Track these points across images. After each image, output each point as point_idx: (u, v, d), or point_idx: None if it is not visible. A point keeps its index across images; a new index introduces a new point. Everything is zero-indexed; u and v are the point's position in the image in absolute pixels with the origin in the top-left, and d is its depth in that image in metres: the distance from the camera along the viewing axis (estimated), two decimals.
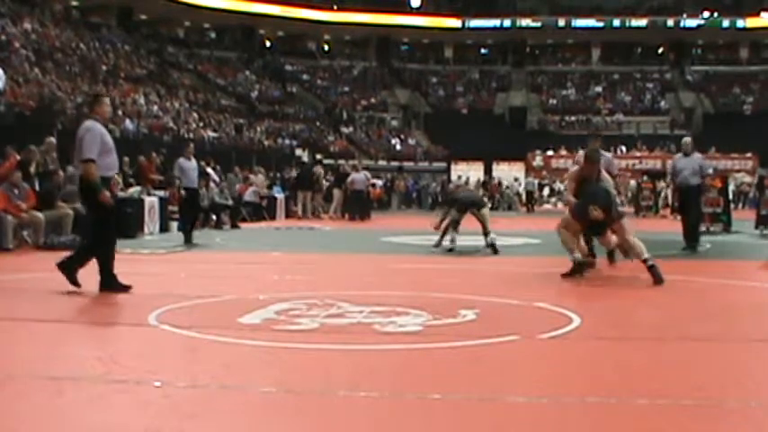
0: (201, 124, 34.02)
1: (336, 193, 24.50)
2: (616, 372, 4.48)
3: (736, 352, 5.11)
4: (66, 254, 7.62)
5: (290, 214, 23.77)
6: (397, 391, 3.96)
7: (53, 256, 10.99)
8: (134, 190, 16.19)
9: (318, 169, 26.61)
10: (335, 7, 51.60)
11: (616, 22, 52.88)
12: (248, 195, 21.66)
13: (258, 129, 39.02)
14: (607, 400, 3.83)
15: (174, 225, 16.29)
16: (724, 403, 3.80)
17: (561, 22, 53.22)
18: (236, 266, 10.56)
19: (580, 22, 53.01)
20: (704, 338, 5.42)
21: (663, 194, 28.16)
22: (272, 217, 22.51)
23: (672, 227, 16.23)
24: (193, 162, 14.09)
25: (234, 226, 18.21)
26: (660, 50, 55.29)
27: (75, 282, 7.28)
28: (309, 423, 3.52)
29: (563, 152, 40.63)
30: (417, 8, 52.87)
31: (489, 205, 14.15)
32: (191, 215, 14.03)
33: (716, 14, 52.49)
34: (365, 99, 50.60)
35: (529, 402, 3.78)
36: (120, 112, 25.62)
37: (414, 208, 34.88)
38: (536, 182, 38.00)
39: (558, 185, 36.66)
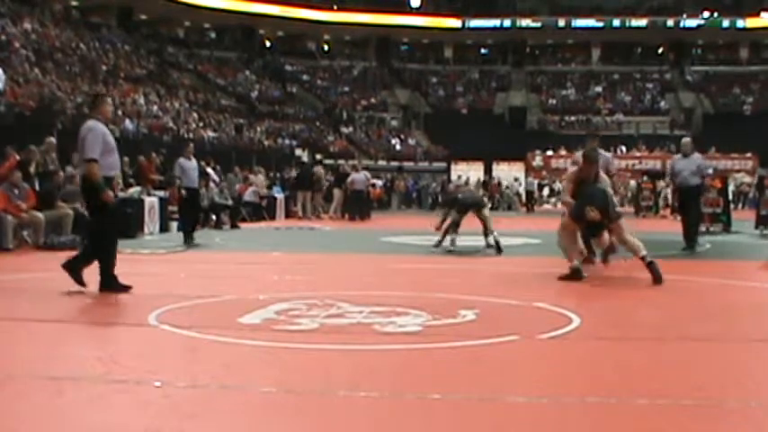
0: (201, 124, 34.02)
1: (336, 193, 24.50)
2: (616, 372, 4.48)
3: (736, 352, 5.11)
4: (70, 254, 7.59)
5: (289, 214, 23.77)
6: (397, 391, 3.96)
7: (53, 256, 11.03)
8: (134, 190, 16.19)
9: (319, 169, 26.60)
10: (335, 7, 51.60)
11: (616, 22, 52.88)
12: (248, 195, 21.66)
13: (258, 129, 39.03)
14: (607, 400, 3.83)
15: (174, 225, 16.30)
16: (724, 403, 3.81)
17: (561, 22, 53.22)
18: (236, 266, 10.56)
19: (580, 22, 53.00)
20: (704, 338, 5.42)
21: (663, 194, 28.16)
22: (272, 217, 22.51)
23: (672, 227, 16.24)
24: (194, 162, 14.10)
25: (234, 226, 18.21)
26: (660, 50, 55.29)
27: (81, 281, 7.28)
28: (309, 423, 3.52)
29: (563, 152, 40.59)
30: (417, 8, 52.87)
31: (489, 205, 14.16)
32: (191, 215, 14.04)
33: (716, 14, 52.49)
34: (365, 99, 50.60)
35: (529, 402, 3.78)
36: (119, 112, 25.62)
37: (414, 208, 34.89)
38: (536, 182, 38.00)
39: (558, 185, 36.65)
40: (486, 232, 12.43)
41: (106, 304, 6.89)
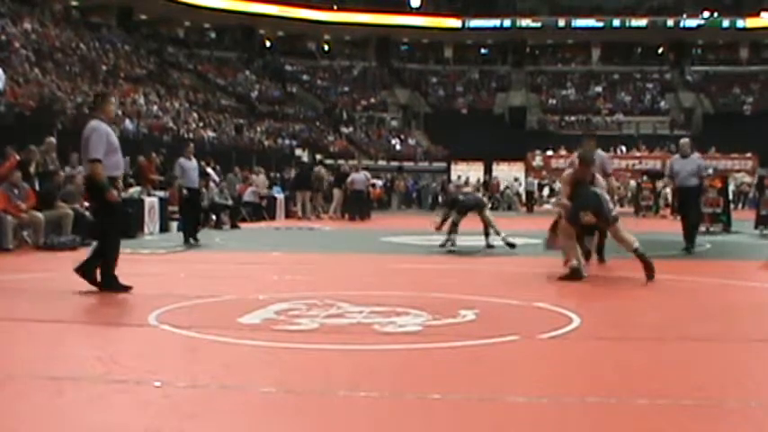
0: (201, 124, 34.02)
1: (336, 193, 24.51)
2: (616, 372, 4.48)
3: (736, 352, 5.11)
4: (81, 259, 7.53)
5: (289, 214, 23.78)
6: (397, 391, 3.96)
7: (53, 257, 11.05)
8: (134, 190, 16.19)
9: (321, 170, 26.60)
10: (335, 7, 51.61)
11: (616, 22, 52.89)
12: (248, 195, 21.67)
13: (258, 129, 39.03)
14: (607, 400, 3.82)
15: (174, 225, 16.30)
16: (724, 403, 3.80)
17: (561, 22, 53.23)
18: (235, 266, 10.56)
19: (580, 22, 53.01)
20: (704, 338, 5.42)
21: (663, 194, 28.16)
22: (272, 217, 22.52)
23: (672, 227, 16.23)
24: (194, 162, 14.11)
25: (234, 226, 18.21)
26: (660, 50, 55.30)
27: (95, 282, 7.28)
28: (309, 423, 3.52)
29: (563, 152, 40.57)
30: (417, 8, 52.87)
31: (489, 205, 14.19)
32: (192, 215, 14.04)
33: (716, 14, 52.49)
34: (365, 99, 50.60)
35: (529, 402, 3.78)
36: (120, 112, 25.60)
37: (414, 208, 34.88)
38: (536, 182, 38.00)
39: (558, 186, 36.64)
40: (487, 232, 12.47)
41: (106, 304, 6.89)
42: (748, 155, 40.12)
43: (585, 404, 3.77)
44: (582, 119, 49.00)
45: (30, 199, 12.10)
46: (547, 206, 36.00)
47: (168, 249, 12.34)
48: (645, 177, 31.43)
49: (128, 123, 25.41)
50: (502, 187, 37.17)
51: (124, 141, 7.82)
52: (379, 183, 33.77)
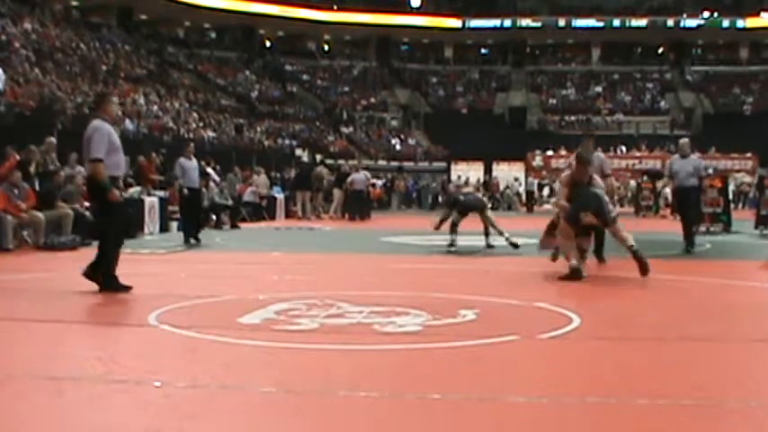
0: (201, 124, 34.03)
1: (336, 192, 24.51)
2: (616, 372, 4.48)
3: (736, 352, 5.11)
4: (89, 262, 7.51)
5: (289, 214, 23.78)
6: (397, 391, 3.96)
7: (53, 256, 11.06)
8: (134, 190, 16.19)
9: (322, 170, 26.59)
10: (335, 7, 51.61)
11: (616, 22, 52.89)
12: (248, 195, 21.67)
13: (258, 129, 39.03)
14: (607, 400, 3.82)
15: (174, 225, 16.30)
16: (724, 403, 3.80)
17: (561, 22, 53.23)
18: (235, 266, 10.56)
19: (580, 22, 53.01)
20: (704, 338, 5.42)
21: (662, 194, 28.15)
22: (272, 217, 22.52)
23: (672, 227, 16.23)
24: (194, 162, 14.12)
25: (234, 226, 18.21)
26: (660, 50, 55.30)
27: (123, 287, 7.28)
28: (309, 423, 3.52)
29: (563, 152, 40.59)
30: (417, 8, 52.87)
31: (489, 205, 14.19)
32: (192, 215, 14.04)
33: (716, 14, 52.49)
34: (365, 99, 50.60)
35: (529, 402, 3.78)
36: (120, 112, 25.59)
37: (414, 208, 34.88)
38: (536, 182, 38.00)
39: (558, 186, 36.62)
40: (487, 232, 12.47)
41: (106, 304, 6.89)
42: (748, 155, 40.13)
43: (585, 404, 3.77)
44: (582, 119, 48.99)
45: (30, 199, 12.10)
46: (547, 206, 36.02)
47: (168, 249, 12.34)
48: (645, 177, 31.44)
49: (128, 123, 25.41)
50: (502, 187, 37.16)
51: (124, 141, 7.81)
52: (380, 183, 33.78)
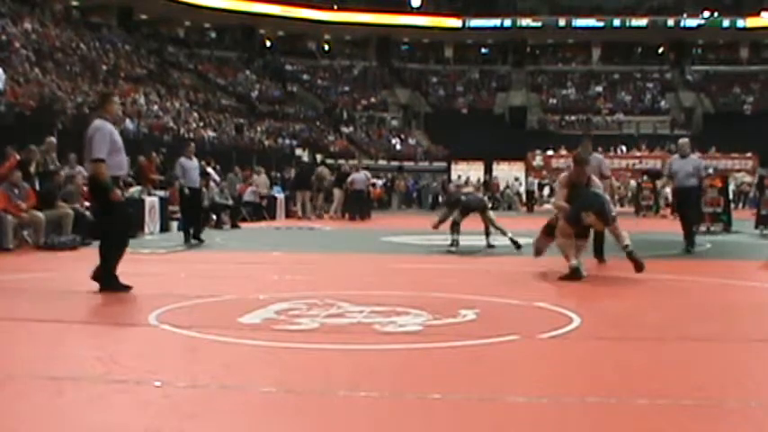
0: (202, 124, 34.02)
1: (337, 192, 24.50)
2: (616, 372, 4.48)
3: (736, 352, 5.11)
4: (95, 266, 7.50)
5: (290, 214, 23.78)
6: (397, 391, 3.96)
7: (53, 256, 11.06)
8: (134, 190, 16.19)
9: (323, 170, 26.59)
10: (336, 7, 51.60)
11: (616, 22, 52.89)
12: (248, 195, 21.67)
13: (258, 129, 39.03)
14: (607, 400, 3.82)
15: (175, 225, 16.30)
16: (724, 403, 3.80)
17: (561, 22, 53.23)
18: (236, 266, 10.56)
19: (580, 22, 53.01)
20: (704, 338, 5.42)
21: (662, 194, 28.15)
22: (272, 217, 22.52)
23: (672, 227, 16.23)
24: (195, 161, 14.13)
25: (234, 226, 18.22)
26: (660, 50, 55.29)
27: (123, 287, 7.28)
28: (309, 423, 3.52)
29: (563, 152, 40.60)
30: (417, 8, 52.87)
31: (490, 205, 14.19)
32: (193, 215, 14.03)
33: (716, 14, 52.49)
34: (365, 99, 50.60)
35: (529, 402, 3.78)
36: (120, 112, 25.61)
37: (414, 208, 34.89)
38: (536, 182, 38.00)
39: (557, 186, 36.59)
40: (488, 232, 12.47)
41: (106, 304, 6.89)
42: (748, 154, 40.14)
43: (585, 404, 3.77)
44: (582, 118, 48.99)
45: (30, 199, 12.10)
46: (547, 206, 36.03)
47: (168, 249, 12.34)
48: (645, 177, 31.43)
49: (128, 123, 25.41)
50: (502, 187, 37.16)
51: (125, 141, 7.80)
52: (380, 182, 33.78)
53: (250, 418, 3.59)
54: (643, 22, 52.88)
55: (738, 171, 37.12)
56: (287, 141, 39.22)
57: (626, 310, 6.80)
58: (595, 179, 9.16)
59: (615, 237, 8.76)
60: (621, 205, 33.27)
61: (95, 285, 7.21)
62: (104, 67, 33.46)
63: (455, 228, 12.17)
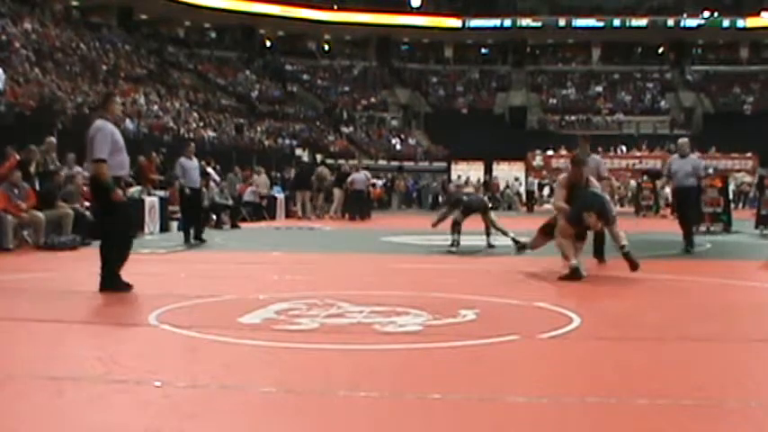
0: (201, 124, 34.03)
1: (337, 192, 24.50)
2: (616, 372, 4.48)
3: (736, 352, 5.10)
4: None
5: (290, 214, 23.78)
6: (397, 391, 3.96)
7: (53, 256, 11.06)
8: (134, 190, 16.19)
9: (324, 170, 26.59)
10: (335, 7, 51.61)
11: (616, 22, 52.90)
12: (248, 195, 21.67)
13: (258, 129, 39.03)
14: (607, 400, 3.82)
15: (175, 225, 16.30)
16: (724, 403, 3.80)
17: (561, 22, 53.24)
18: (236, 266, 10.56)
19: (580, 22, 53.01)
20: (704, 338, 5.42)
21: (662, 194, 28.15)
22: (272, 217, 22.52)
23: (672, 227, 16.22)
24: (195, 161, 14.13)
25: (234, 226, 18.22)
26: (660, 50, 55.29)
27: (126, 285, 7.32)
28: (309, 423, 3.52)
29: (563, 152, 40.59)
30: (417, 8, 52.88)
31: (490, 205, 14.19)
32: (193, 215, 14.03)
33: (716, 14, 52.49)
34: (365, 99, 50.61)
35: (529, 402, 3.78)
36: (121, 113, 25.59)
37: (414, 208, 34.88)
38: (536, 182, 38.00)
39: (556, 187, 36.56)
40: (488, 232, 12.47)
41: (106, 304, 6.89)
42: (748, 154, 40.13)
43: (585, 404, 3.77)
44: (582, 118, 49.00)
45: (30, 199, 12.10)
46: (547, 206, 36.03)
47: (168, 249, 12.34)
48: (645, 177, 31.42)
49: (128, 123, 25.41)
50: (502, 187, 37.16)
51: (124, 141, 7.80)
52: (380, 182, 33.77)
53: (250, 418, 3.59)
54: (643, 22, 52.88)
55: (738, 171, 37.12)
56: (287, 141, 39.22)
57: (626, 310, 6.80)
58: (593, 180, 9.23)
59: (612, 236, 8.83)
60: (621, 205, 33.27)
61: (95, 285, 7.21)
62: (104, 67, 33.47)
63: (456, 228, 12.16)
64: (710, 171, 22.05)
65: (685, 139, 13.12)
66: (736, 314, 6.61)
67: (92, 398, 3.81)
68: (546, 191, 39.61)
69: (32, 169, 13.50)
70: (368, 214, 24.12)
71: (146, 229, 15.24)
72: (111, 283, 7.21)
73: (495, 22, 53.38)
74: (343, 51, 54.78)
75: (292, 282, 8.50)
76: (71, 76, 28.90)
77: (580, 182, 8.91)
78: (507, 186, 37.07)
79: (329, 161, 35.60)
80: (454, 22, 53.34)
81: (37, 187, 13.00)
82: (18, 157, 13.19)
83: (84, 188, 13.13)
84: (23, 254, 11.41)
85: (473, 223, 12.53)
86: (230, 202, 19.41)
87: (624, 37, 53.53)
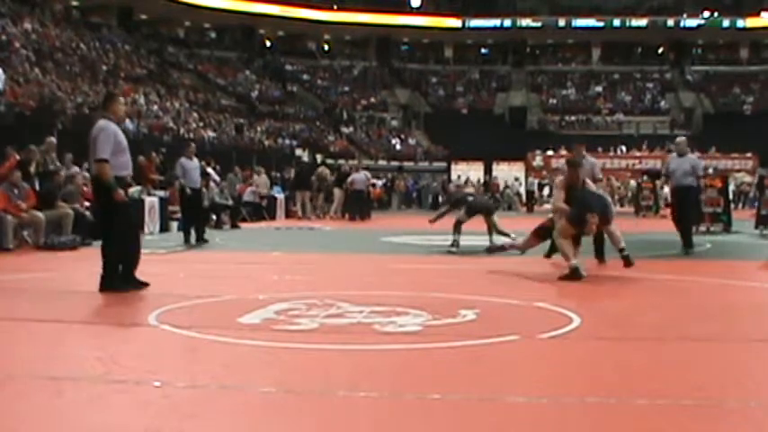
0: (201, 124, 34.02)
1: (337, 192, 24.50)
2: (616, 372, 4.48)
3: (736, 352, 5.10)
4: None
5: (290, 214, 23.78)
6: (396, 391, 3.96)
7: (53, 256, 11.06)
8: (134, 190, 16.16)
9: (324, 170, 26.59)
10: (335, 7, 51.60)
11: (616, 22, 52.90)
12: (248, 195, 21.67)
13: (258, 129, 39.03)
14: (607, 400, 3.82)
15: (175, 225, 16.30)
16: (724, 403, 3.80)
17: (561, 22, 53.23)
18: (235, 266, 10.56)
19: (580, 22, 53.01)
20: (704, 338, 5.42)
21: (662, 194, 28.15)
22: (272, 217, 22.52)
23: (672, 227, 16.22)
24: (195, 162, 14.12)
25: (234, 226, 18.21)
26: (660, 50, 55.30)
27: (141, 283, 7.32)
28: (309, 423, 3.52)
29: (563, 152, 40.56)
30: (417, 8, 52.87)
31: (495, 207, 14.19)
32: (193, 215, 14.03)
33: (716, 14, 52.50)
34: (365, 99, 50.61)
35: (529, 402, 3.78)
36: (123, 113, 25.55)
37: (414, 208, 34.88)
38: (536, 182, 38.01)
39: (555, 189, 36.56)
40: (491, 232, 12.45)
41: (106, 304, 6.89)
42: (748, 155, 40.14)
43: (585, 404, 3.77)
44: (582, 119, 49.01)
45: (30, 199, 12.10)
46: (547, 206, 36.01)
47: (168, 249, 12.34)
48: (645, 177, 31.42)
49: (128, 123, 25.38)
50: (502, 187, 37.17)
51: None
52: (380, 183, 33.76)
53: (250, 418, 3.59)
54: (643, 22, 52.88)
55: (738, 171, 37.12)
56: (287, 141, 39.21)
57: (626, 310, 6.80)
58: (589, 182, 9.34)
59: (609, 236, 8.92)
60: (621, 205, 33.28)
61: (94, 286, 7.21)
62: (104, 67, 33.47)
63: (457, 227, 12.14)
64: (710, 171, 22.00)
65: (683, 138, 13.13)
66: (736, 314, 6.61)
67: (92, 398, 3.81)
68: (546, 191, 39.64)
69: (32, 169, 13.50)
70: (368, 214, 24.12)
71: (146, 229, 15.23)
72: (112, 283, 7.21)
73: (495, 22, 53.39)
74: (342, 51, 54.79)
75: (292, 282, 8.50)
76: (71, 76, 28.89)
77: (576, 183, 9.03)
78: (507, 186, 37.06)
79: (329, 161, 35.60)
80: (454, 22, 53.34)
81: (37, 187, 13.01)
82: (18, 157, 13.19)
83: (85, 188, 13.14)
84: (23, 254, 11.41)
85: (473, 224, 12.52)
86: (230, 203, 19.41)
87: (624, 37, 53.53)
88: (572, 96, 52.49)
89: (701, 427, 3.51)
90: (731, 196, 22.80)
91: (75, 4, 42.02)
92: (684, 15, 52.89)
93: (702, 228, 16.82)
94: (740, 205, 30.77)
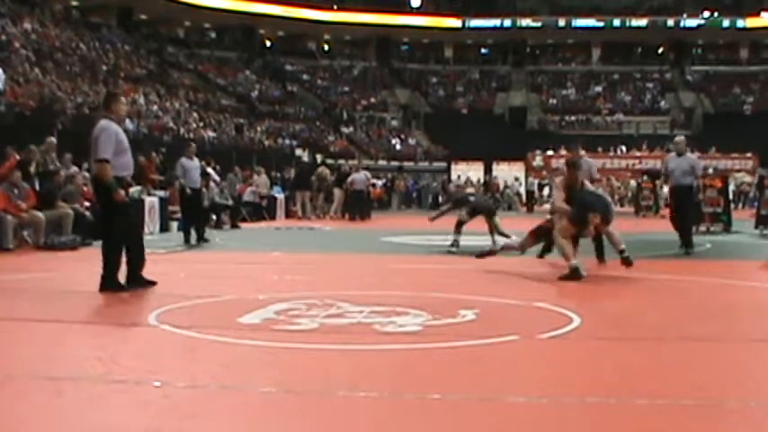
0: (201, 124, 34.02)
1: (337, 192, 24.50)
2: (616, 372, 4.48)
3: (736, 352, 5.10)
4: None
5: (290, 214, 23.78)
6: (396, 391, 3.96)
7: (53, 256, 11.06)
8: (134, 190, 16.12)
9: (324, 170, 26.59)
10: (335, 7, 51.60)
11: (616, 22, 52.89)
12: (248, 195, 21.67)
13: (258, 129, 39.03)
14: (607, 400, 3.82)
15: (175, 225, 16.30)
16: (724, 403, 3.80)
17: (561, 22, 53.23)
18: (235, 266, 10.56)
19: (580, 22, 53.00)
20: (704, 338, 5.42)
21: (662, 194, 28.15)
22: (272, 217, 22.52)
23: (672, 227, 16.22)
24: (195, 162, 14.12)
25: (234, 226, 18.21)
26: (660, 50, 55.29)
27: (148, 282, 7.32)
28: (309, 423, 3.52)
29: (563, 152, 40.55)
30: (417, 8, 52.86)
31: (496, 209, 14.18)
32: (194, 215, 14.03)
33: (716, 14, 52.49)
34: (365, 99, 50.60)
35: (529, 402, 3.78)
36: (124, 113, 25.55)
37: (414, 208, 34.88)
38: (536, 182, 38.01)
39: (554, 189, 36.55)
40: (492, 233, 12.44)
41: (106, 304, 6.89)
42: (748, 155, 40.13)
43: (585, 404, 3.77)
44: (582, 119, 49.01)
45: (30, 199, 12.10)
46: (547, 206, 35.99)
47: (168, 249, 12.33)
48: (645, 177, 31.41)
49: (128, 123, 25.38)
50: (502, 187, 37.17)
51: None
52: (380, 183, 33.77)
53: (250, 418, 3.59)
54: (643, 22, 52.87)
55: (738, 171, 37.12)
56: (287, 141, 39.21)
57: (626, 310, 6.81)
58: (587, 183, 9.38)
59: (608, 237, 8.95)
60: (621, 205, 33.28)
61: (94, 286, 7.21)
62: (104, 67, 33.46)
63: (459, 227, 12.13)
64: (710, 171, 21.99)
65: (681, 138, 13.14)
66: (736, 314, 6.61)
67: (91, 398, 3.81)
68: (546, 191, 39.62)
69: (32, 169, 13.50)
70: (368, 214, 24.12)
71: (146, 230, 15.22)
72: (112, 283, 7.21)
73: (495, 22, 53.38)
74: (342, 51, 54.78)
75: (292, 282, 8.51)
76: (71, 76, 28.89)
77: (576, 184, 9.07)
78: (507, 186, 37.06)
79: (329, 161, 35.59)
80: (454, 22, 53.34)
81: (37, 187, 13.00)
82: (18, 157, 13.19)
83: (85, 188, 13.14)
84: (23, 254, 11.41)
85: (473, 224, 12.52)
86: (230, 203, 19.41)
87: (624, 37, 53.52)
88: (572, 96, 52.48)
89: (701, 427, 3.51)
90: (731, 196, 22.79)
91: (75, 4, 42.01)
92: (684, 15, 52.88)
93: (702, 228, 16.83)
94: (740, 205, 30.77)
